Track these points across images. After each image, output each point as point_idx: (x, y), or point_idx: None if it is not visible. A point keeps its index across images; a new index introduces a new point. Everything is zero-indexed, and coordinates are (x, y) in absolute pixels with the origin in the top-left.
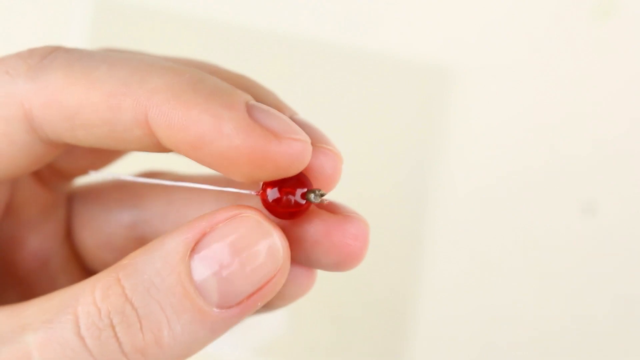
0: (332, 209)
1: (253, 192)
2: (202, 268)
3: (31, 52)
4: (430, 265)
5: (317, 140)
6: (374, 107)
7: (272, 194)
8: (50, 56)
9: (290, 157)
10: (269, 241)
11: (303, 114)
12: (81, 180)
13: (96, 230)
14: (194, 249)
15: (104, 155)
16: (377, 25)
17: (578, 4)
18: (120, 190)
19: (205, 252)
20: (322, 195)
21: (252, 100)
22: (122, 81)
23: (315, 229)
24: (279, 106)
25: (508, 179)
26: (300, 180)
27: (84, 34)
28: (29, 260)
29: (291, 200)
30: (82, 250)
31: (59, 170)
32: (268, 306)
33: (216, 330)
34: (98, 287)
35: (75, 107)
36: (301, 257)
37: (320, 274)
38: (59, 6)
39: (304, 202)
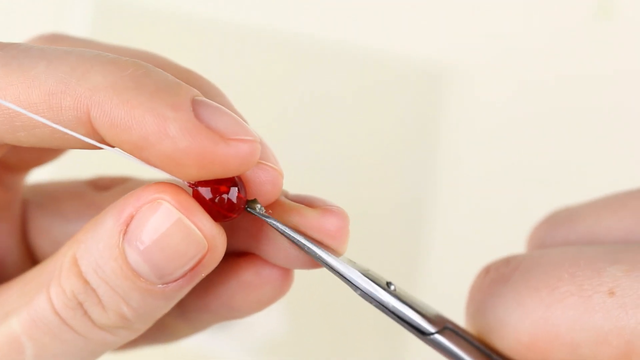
0: (308, 203)
1: (187, 183)
2: (132, 253)
3: None
4: (429, 264)
5: (262, 158)
6: (370, 106)
7: (205, 192)
8: None
9: (238, 159)
10: (181, 227)
11: (300, 113)
12: (34, 182)
13: (53, 240)
14: (125, 231)
15: (50, 149)
16: (375, 25)
17: (578, 4)
18: (77, 199)
19: (131, 237)
20: (261, 208)
21: (199, 95)
22: (61, 79)
23: (292, 224)
24: (225, 104)
25: (507, 179)
26: (234, 182)
27: (84, 34)
28: None
29: (224, 199)
30: (40, 257)
31: (6, 165)
32: (242, 311)
33: (170, 298)
34: (62, 268)
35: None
36: (279, 255)
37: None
38: (59, 6)
39: (235, 202)
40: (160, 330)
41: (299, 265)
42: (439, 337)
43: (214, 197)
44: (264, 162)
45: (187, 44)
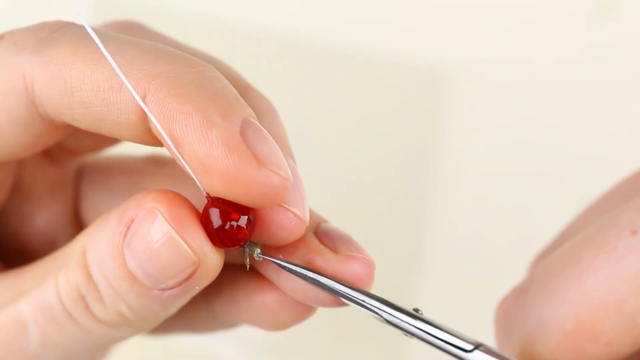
0: (333, 246)
1: (205, 194)
2: (129, 256)
3: (42, 25)
4: (430, 265)
5: (289, 202)
6: (372, 107)
7: (214, 215)
8: (60, 30)
9: (264, 187)
10: (170, 241)
11: (300, 112)
12: (91, 158)
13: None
14: (126, 233)
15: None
16: (376, 26)
17: (578, 5)
18: (128, 174)
19: (129, 242)
20: (259, 255)
21: (254, 117)
22: (128, 60)
23: (313, 265)
24: (277, 127)
25: (506, 179)
26: (247, 214)
27: None
28: (36, 239)
29: (233, 226)
30: None
31: (66, 148)
32: (263, 327)
33: (168, 304)
34: (72, 258)
35: (77, 83)
36: (297, 292)
37: None
38: (58, 5)
39: (238, 233)
40: (192, 323)
41: (319, 303)
42: (480, 353)
43: (223, 222)
44: (287, 206)
45: (187, 42)
